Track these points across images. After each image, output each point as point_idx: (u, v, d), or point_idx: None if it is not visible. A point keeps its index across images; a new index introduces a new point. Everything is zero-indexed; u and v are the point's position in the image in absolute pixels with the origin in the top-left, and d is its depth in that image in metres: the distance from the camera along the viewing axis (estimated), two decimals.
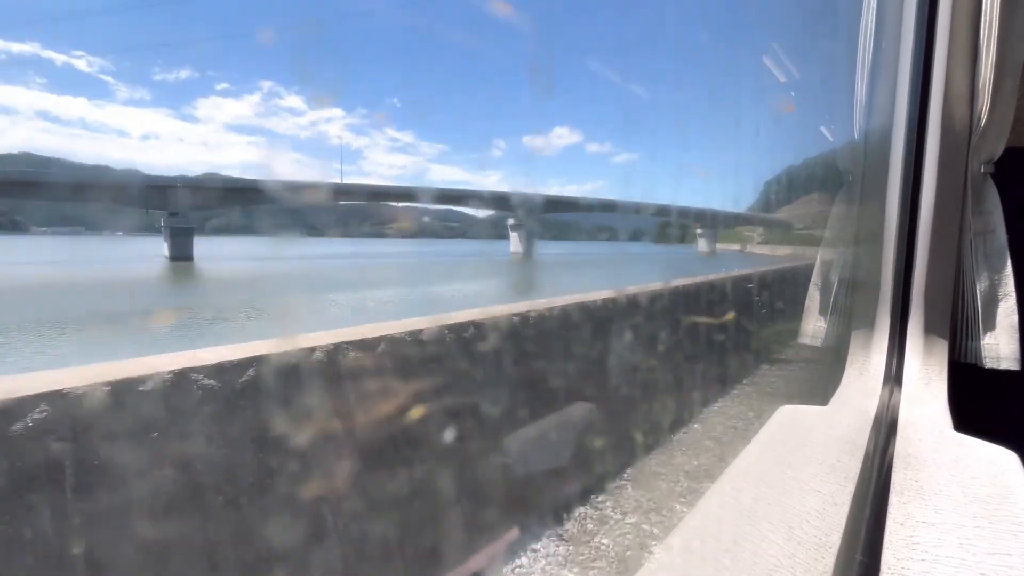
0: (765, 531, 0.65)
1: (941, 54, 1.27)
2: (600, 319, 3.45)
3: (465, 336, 2.34)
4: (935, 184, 1.32)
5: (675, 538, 0.68)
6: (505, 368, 2.62)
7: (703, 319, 4.93)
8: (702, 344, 4.73)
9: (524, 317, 2.77)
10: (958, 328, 1.37)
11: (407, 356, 2.15)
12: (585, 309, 3.30)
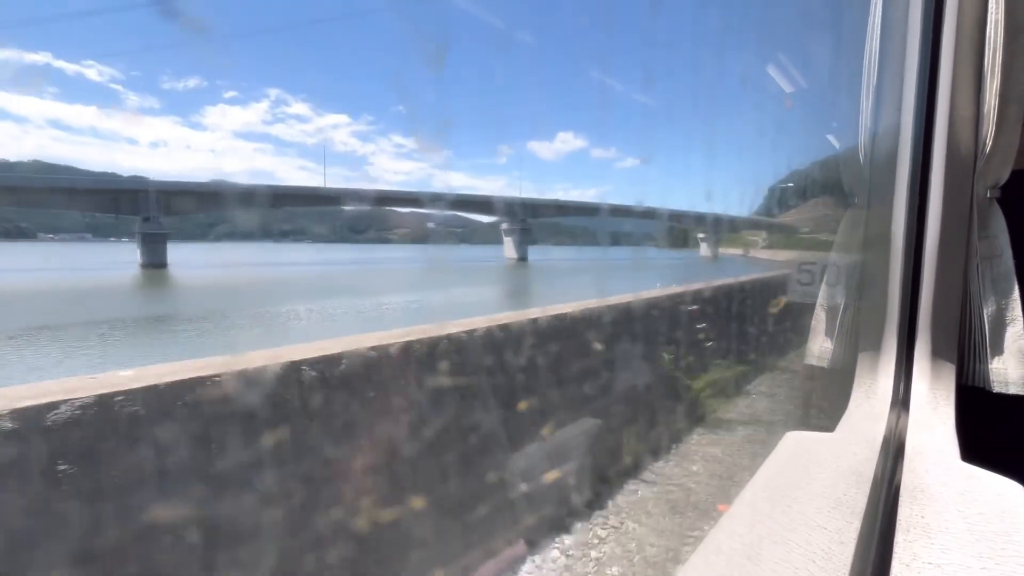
0: (769, 574, 0.66)
1: (945, 81, 1.28)
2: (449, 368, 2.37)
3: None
4: (941, 208, 1.34)
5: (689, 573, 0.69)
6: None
7: (616, 357, 3.47)
8: (598, 403, 3.20)
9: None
10: (966, 352, 1.38)
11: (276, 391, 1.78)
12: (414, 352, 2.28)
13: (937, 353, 1.36)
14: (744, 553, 0.71)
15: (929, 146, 1.33)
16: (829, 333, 1.58)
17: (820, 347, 1.59)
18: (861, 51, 1.44)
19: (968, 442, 1.11)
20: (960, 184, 1.31)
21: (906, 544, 0.71)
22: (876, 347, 1.45)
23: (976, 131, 1.28)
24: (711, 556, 0.72)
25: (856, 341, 1.51)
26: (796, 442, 1.09)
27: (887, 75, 1.38)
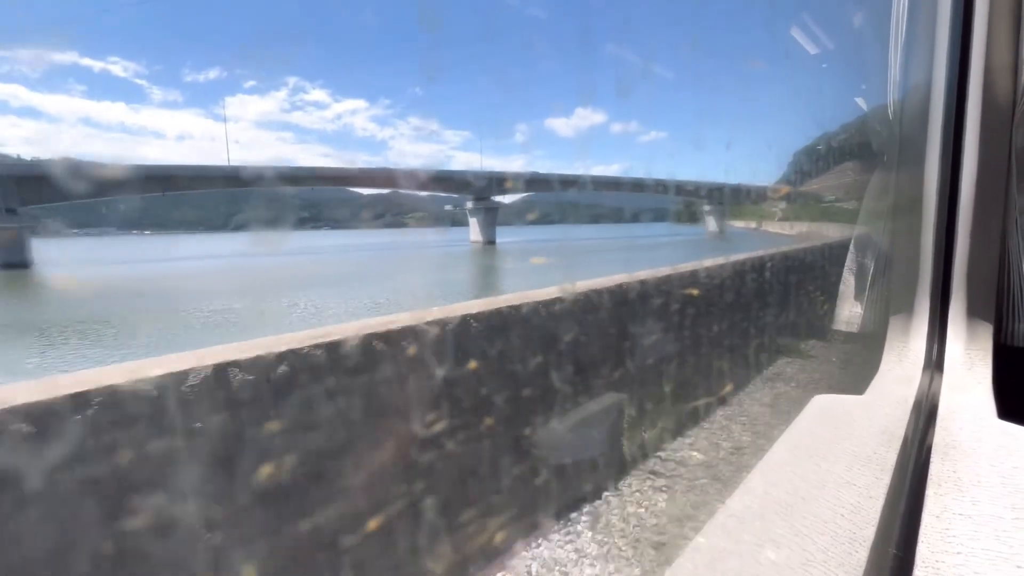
0: (799, 526, 0.67)
1: (981, 22, 1.23)
2: None
3: None
4: (976, 159, 1.29)
5: (708, 532, 0.71)
6: None
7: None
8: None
9: None
10: (1004, 310, 1.35)
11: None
12: None
13: (973, 312, 1.33)
14: (772, 510, 0.72)
15: (963, 95, 1.29)
16: (859, 297, 1.56)
17: (849, 312, 1.58)
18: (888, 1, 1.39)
19: (1006, 401, 1.10)
20: (997, 133, 1.27)
21: (936, 497, 0.72)
22: (908, 309, 1.43)
23: (1015, 76, 1.23)
24: (740, 511, 0.73)
25: (887, 304, 1.49)
26: (824, 404, 1.09)
27: (917, 21, 1.33)
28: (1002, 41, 1.21)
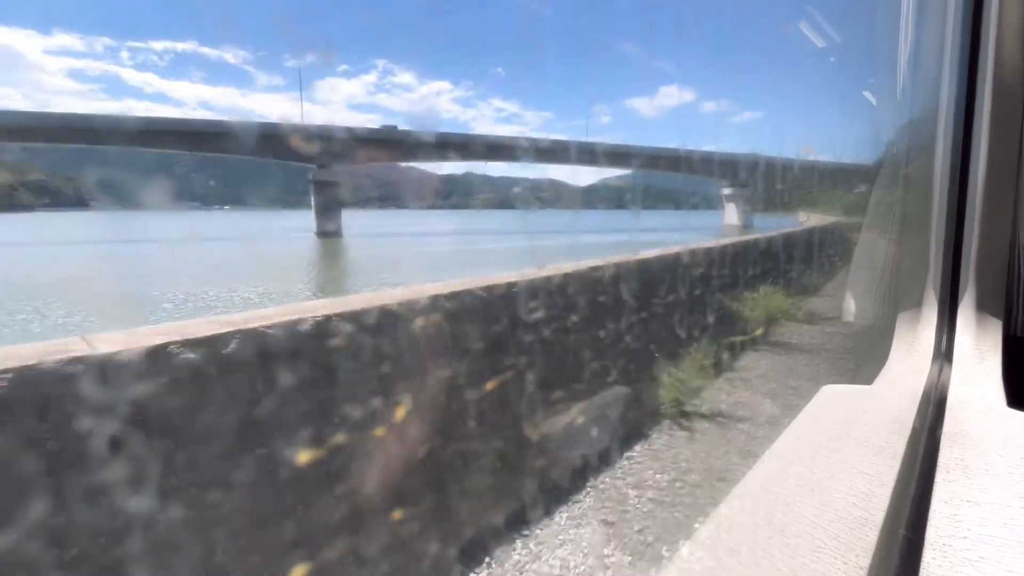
0: (809, 512, 0.70)
1: (993, 8, 1.25)
2: None
3: None
4: (987, 148, 1.32)
5: (716, 519, 0.74)
6: None
7: None
8: None
9: None
10: (1015, 301, 1.38)
11: None
12: None
13: (983, 303, 1.36)
14: (782, 497, 0.75)
15: (974, 84, 1.31)
16: (867, 289, 1.58)
17: (858, 304, 1.60)
18: None
19: (1016, 391, 1.12)
20: (1008, 123, 1.29)
21: (946, 483, 0.75)
22: (917, 301, 1.45)
23: None
24: (745, 502, 0.76)
25: (896, 295, 1.52)
26: (833, 395, 1.12)
27: (928, 8, 1.35)
28: (1015, 27, 1.23)
